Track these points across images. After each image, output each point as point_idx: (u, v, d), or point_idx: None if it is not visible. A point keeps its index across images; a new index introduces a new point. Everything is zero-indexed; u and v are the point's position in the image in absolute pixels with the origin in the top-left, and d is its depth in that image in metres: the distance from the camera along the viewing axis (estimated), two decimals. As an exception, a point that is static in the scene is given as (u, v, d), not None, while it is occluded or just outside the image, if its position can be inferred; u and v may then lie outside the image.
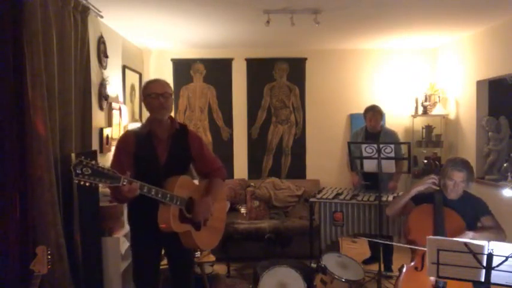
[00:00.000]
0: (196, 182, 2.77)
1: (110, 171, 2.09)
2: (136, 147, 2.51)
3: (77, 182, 2.02)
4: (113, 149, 3.04)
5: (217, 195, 2.69)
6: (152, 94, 2.49)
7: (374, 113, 4.49)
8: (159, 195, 2.32)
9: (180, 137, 2.62)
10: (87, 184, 2.02)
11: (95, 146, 3.74)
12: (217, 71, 5.84)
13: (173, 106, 5.71)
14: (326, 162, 5.83)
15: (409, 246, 2.75)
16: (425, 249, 2.19)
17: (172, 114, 5.58)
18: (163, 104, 2.49)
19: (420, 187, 2.93)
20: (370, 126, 4.56)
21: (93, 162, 2.03)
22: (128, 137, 2.60)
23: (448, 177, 2.80)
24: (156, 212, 2.38)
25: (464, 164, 2.81)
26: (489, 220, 2.82)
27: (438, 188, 2.85)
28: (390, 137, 4.47)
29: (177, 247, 2.57)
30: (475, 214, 2.84)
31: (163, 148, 2.55)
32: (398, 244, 2.87)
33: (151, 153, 2.52)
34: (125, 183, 2.14)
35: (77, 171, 1.98)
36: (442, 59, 5.67)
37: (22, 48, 2.49)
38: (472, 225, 2.77)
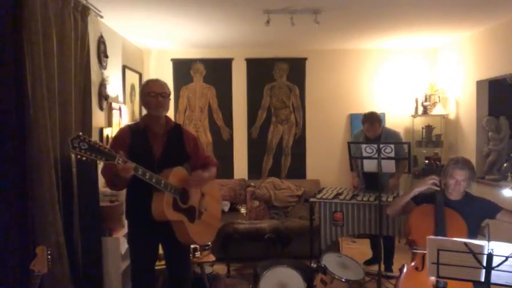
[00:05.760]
0: None
1: (106, 149, 2.16)
2: (132, 141, 2.56)
3: (73, 155, 2.05)
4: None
5: (211, 175, 2.76)
6: (152, 93, 2.57)
7: (371, 123, 4.35)
8: (153, 180, 2.37)
9: (175, 134, 2.69)
10: (83, 158, 2.09)
11: (95, 146, 3.73)
12: (217, 71, 5.84)
13: (172, 106, 5.73)
14: (326, 162, 5.83)
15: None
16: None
17: (172, 114, 5.68)
18: (161, 103, 2.58)
19: (420, 188, 2.91)
20: (368, 135, 4.48)
21: (91, 139, 2.10)
22: (124, 131, 2.66)
23: (450, 176, 2.79)
24: None
25: (466, 163, 2.80)
26: (506, 214, 2.75)
27: (439, 189, 2.84)
28: (392, 138, 4.36)
29: (174, 243, 2.61)
30: (484, 215, 2.79)
31: (158, 144, 2.60)
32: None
33: (146, 148, 2.57)
34: (120, 161, 2.19)
35: (74, 144, 2.04)
36: (442, 59, 5.67)
37: (22, 48, 2.48)
38: (474, 227, 2.76)
